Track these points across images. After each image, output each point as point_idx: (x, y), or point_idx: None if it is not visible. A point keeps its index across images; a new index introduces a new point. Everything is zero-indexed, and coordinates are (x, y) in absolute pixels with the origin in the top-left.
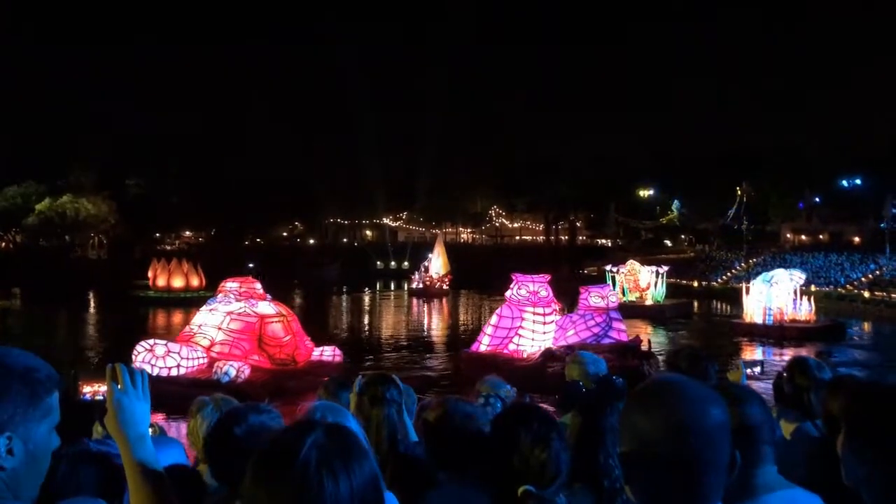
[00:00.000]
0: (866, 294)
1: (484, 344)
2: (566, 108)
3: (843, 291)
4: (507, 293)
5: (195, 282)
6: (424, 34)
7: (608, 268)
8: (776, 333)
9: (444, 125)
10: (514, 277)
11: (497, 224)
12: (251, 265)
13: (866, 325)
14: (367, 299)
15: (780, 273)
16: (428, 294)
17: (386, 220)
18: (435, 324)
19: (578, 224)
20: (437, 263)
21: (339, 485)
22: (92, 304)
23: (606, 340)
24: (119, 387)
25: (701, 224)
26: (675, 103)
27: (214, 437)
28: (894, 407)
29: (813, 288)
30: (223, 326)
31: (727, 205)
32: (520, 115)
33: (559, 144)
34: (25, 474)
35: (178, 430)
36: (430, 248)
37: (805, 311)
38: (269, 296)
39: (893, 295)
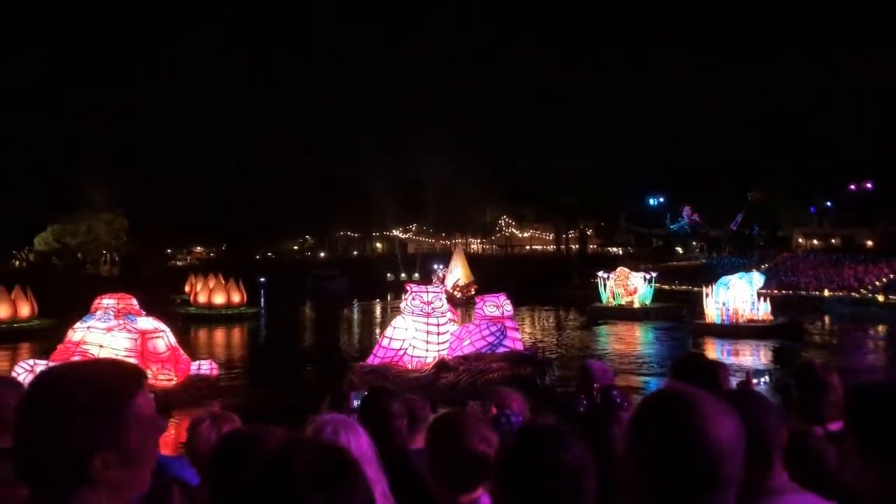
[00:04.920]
0: (880, 298)
1: (378, 356)
2: (574, 119)
3: (857, 296)
4: (402, 304)
5: (236, 298)
6: (431, 46)
7: (600, 273)
8: (731, 332)
9: (452, 135)
10: (407, 288)
11: (507, 234)
12: (262, 279)
13: (881, 329)
14: (377, 311)
15: (735, 278)
16: (452, 304)
17: (395, 232)
18: None
19: (589, 233)
20: (456, 273)
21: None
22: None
23: (501, 349)
24: None
25: (712, 231)
26: (684, 110)
27: (217, 457)
28: None
29: (826, 293)
30: (105, 343)
31: (737, 211)
32: (527, 124)
33: (567, 153)
34: (126, 482)
35: None
36: (441, 259)
37: (763, 311)
38: (143, 311)
39: None
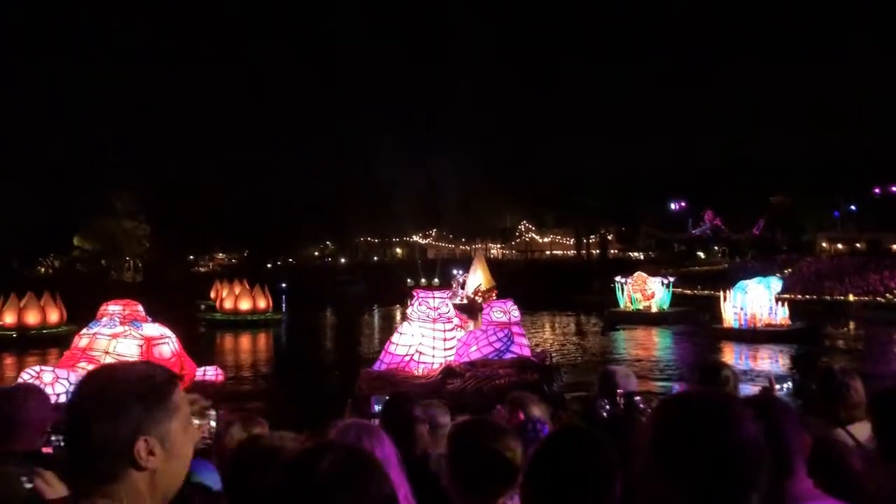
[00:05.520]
0: None
1: (385, 362)
2: (593, 123)
3: (883, 300)
4: (408, 310)
5: (262, 304)
6: (449, 52)
7: (618, 278)
8: (748, 336)
9: (471, 140)
10: (414, 293)
11: (527, 239)
12: (283, 285)
13: None
14: (398, 316)
15: (753, 282)
16: (472, 310)
17: (415, 238)
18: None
19: (609, 238)
20: (477, 279)
21: None
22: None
23: (508, 355)
24: None
25: (734, 235)
26: (706, 114)
27: (232, 461)
28: None
29: (851, 298)
30: (110, 349)
31: (760, 216)
32: (546, 130)
33: (587, 159)
34: (164, 472)
35: None
36: (461, 265)
37: (781, 316)
38: (150, 318)
39: None
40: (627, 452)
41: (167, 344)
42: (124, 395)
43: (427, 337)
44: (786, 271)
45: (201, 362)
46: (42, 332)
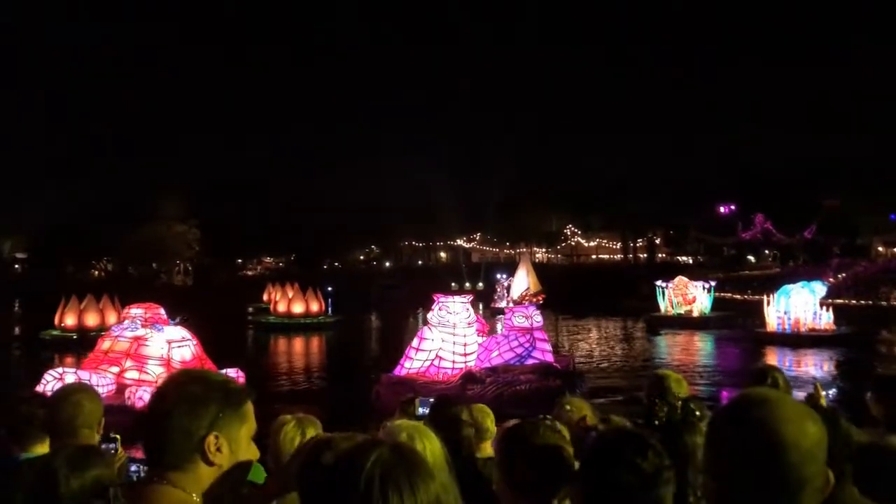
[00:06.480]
0: None
1: (406, 367)
2: (640, 124)
3: None
4: (429, 315)
5: (315, 307)
6: (492, 54)
7: (658, 283)
8: (792, 341)
9: (516, 143)
10: (435, 298)
11: (573, 243)
12: (329, 289)
13: None
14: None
15: (797, 287)
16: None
17: (460, 242)
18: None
19: (657, 241)
20: (524, 282)
21: (403, 501)
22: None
23: (530, 361)
24: None
25: (785, 240)
26: (757, 113)
27: (306, 466)
28: None
29: None
30: (132, 352)
31: (812, 219)
32: (593, 133)
33: (634, 160)
34: (228, 467)
35: None
36: (505, 269)
37: (825, 321)
38: (171, 321)
39: None
40: (685, 456)
41: (188, 347)
42: (204, 393)
43: (447, 342)
44: (839, 275)
45: (242, 365)
46: (101, 333)
